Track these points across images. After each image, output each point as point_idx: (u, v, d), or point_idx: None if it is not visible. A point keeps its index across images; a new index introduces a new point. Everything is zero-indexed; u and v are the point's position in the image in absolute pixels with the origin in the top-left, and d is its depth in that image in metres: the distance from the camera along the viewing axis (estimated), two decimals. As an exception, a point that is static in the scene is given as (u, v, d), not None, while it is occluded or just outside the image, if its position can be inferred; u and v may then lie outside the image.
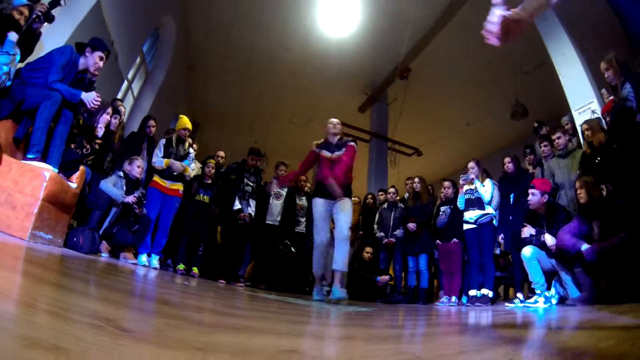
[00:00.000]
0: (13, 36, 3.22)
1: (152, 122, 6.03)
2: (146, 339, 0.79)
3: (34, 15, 3.98)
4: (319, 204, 4.60)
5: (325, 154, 4.68)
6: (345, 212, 4.47)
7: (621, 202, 3.93)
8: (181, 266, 5.73)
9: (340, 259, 4.30)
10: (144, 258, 5.23)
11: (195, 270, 5.85)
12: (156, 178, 5.56)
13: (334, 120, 4.85)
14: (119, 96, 8.18)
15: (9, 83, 3.22)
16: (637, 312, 2.64)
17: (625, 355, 1.13)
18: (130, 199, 4.93)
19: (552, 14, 6.52)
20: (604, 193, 4.13)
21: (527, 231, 4.69)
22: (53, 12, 4.27)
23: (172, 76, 10.84)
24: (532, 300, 4.52)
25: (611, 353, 1.19)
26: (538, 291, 4.47)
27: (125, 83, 8.81)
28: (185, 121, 5.84)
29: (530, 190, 4.78)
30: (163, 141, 5.66)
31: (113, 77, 7.55)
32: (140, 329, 0.92)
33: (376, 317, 2.95)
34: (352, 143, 4.74)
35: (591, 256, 3.86)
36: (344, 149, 4.65)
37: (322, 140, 4.85)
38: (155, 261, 5.32)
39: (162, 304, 1.71)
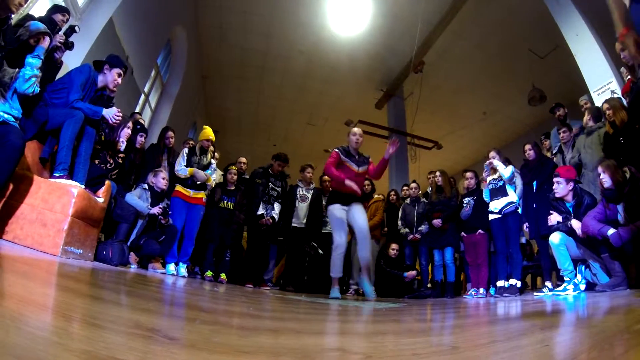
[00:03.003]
0: (45, 42, 3.28)
1: (170, 133, 6.10)
2: (196, 346, 0.80)
3: (54, 44, 4.06)
4: (336, 209, 4.89)
5: (353, 166, 4.91)
6: (361, 213, 4.90)
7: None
8: (209, 273, 5.79)
9: (366, 254, 4.80)
10: (172, 267, 5.29)
11: (223, 276, 5.91)
12: (179, 187, 5.61)
13: (359, 131, 5.05)
14: (137, 109, 8.30)
15: (37, 89, 3.23)
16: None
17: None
18: (155, 210, 5.00)
19: None
20: (628, 176, 4.04)
21: (554, 219, 4.61)
22: (70, 39, 4.37)
23: (187, 86, 10.97)
24: (561, 288, 4.44)
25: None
26: (567, 278, 4.37)
27: (142, 96, 8.94)
28: (208, 132, 5.87)
29: (555, 179, 4.64)
30: (186, 150, 5.70)
31: (130, 91, 7.67)
32: (187, 336, 0.93)
33: (406, 312, 2.94)
34: (371, 159, 5.14)
35: (618, 241, 3.75)
36: (366, 166, 5.03)
37: (342, 147, 5.01)
38: (183, 270, 5.38)
39: (199, 311, 1.73)
